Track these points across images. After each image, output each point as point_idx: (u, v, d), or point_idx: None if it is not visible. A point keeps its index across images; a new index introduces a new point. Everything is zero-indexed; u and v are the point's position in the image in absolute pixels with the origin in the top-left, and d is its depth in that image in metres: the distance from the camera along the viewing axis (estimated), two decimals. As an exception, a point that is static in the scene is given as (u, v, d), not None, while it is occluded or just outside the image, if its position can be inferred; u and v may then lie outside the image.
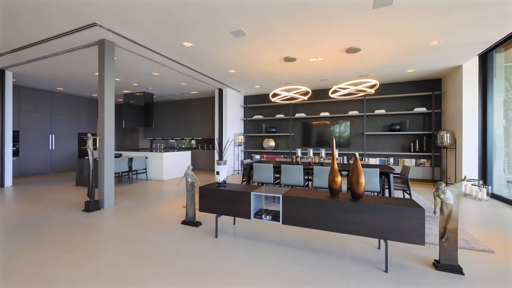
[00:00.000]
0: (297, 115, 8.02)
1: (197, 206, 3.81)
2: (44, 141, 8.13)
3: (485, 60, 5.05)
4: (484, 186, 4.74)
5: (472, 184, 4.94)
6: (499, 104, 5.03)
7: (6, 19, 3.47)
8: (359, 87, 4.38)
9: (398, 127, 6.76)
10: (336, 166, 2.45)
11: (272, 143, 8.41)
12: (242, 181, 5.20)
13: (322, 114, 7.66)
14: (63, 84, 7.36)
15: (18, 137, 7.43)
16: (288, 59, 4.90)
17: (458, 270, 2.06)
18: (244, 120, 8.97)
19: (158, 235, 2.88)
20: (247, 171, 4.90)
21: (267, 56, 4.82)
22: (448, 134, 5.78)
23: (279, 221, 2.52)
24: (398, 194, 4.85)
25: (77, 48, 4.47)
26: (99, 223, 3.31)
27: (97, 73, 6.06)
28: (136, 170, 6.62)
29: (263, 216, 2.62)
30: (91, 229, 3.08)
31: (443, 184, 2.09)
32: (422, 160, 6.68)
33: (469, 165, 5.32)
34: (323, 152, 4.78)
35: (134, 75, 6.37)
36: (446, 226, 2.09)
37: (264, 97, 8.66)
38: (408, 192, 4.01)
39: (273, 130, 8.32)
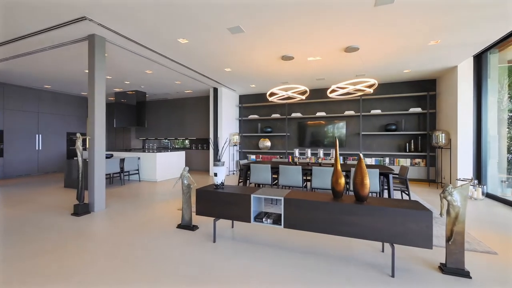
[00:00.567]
0: (293, 114, 7.95)
1: (193, 209, 3.68)
2: (31, 141, 7.78)
3: (480, 61, 5.10)
4: (479, 186, 4.79)
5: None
6: (493, 105, 5.09)
7: (-13, 11, 3.25)
8: (358, 87, 4.33)
9: (393, 127, 6.78)
10: (339, 167, 2.37)
11: (267, 143, 8.32)
12: (239, 182, 5.08)
13: (318, 114, 7.62)
14: (51, 81, 7.05)
15: (2, 137, 7.08)
16: (286, 58, 4.81)
17: (465, 273, 2.01)
18: (240, 120, 8.85)
19: (152, 240, 2.73)
20: (244, 172, 4.79)
21: (264, 55, 4.71)
22: (443, 134, 5.82)
23: (280, 224, 2.42)
24: (396, 194, 4.84)
25: (66, 44, 4.25)
26: (89, 227, 3.13)
27: (87, 71, 5.82)
28: (128, 171, 6.40)
29: (263, 219, 2.52)
30: (81, 234, 2.90)
31: (450, 186, 2.03)
32: (417, 160, 6.72)
33: (464, 165, 5.37)
34: (321, 152, 4.72)
35: (126, 73, 6.16)
36: (453, 229, 2.04)
37: (259, 97, 8.56)
38: (406, 192, 3.99)
39: (269, 130, 8.23)
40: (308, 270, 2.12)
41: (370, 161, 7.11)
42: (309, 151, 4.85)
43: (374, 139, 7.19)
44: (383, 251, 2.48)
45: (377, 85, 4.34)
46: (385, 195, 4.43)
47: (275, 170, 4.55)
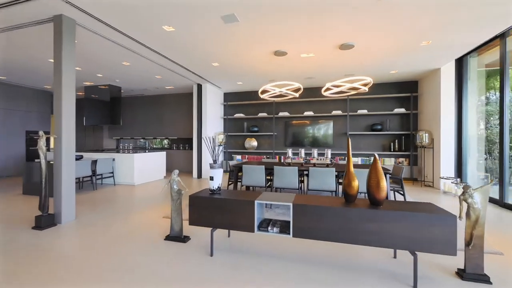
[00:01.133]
0: (281, 114, 7.77)
1: (184, 217, 3.28)
2: (-20, 141, 6.70)
3: (461, 64, 5.32)
4: (462, 184, 4.97)
5: (451, 182, 5.15)
6: (473, 106, 5.34)
7: None
8: (354, 85, 4.23)
9: (379, 127, 6.89)
10: (352, 168, 2.17)
11: (254, 142, 8.05)
12: (228, 185, 4.74)
13: (306, 113, 7.52)
14: (7, 72, 6.10)
15: None
16: (279, 53, 4.58)
17: (485, 279, 1.91)
18: (224, 119, 8.47)
19: (137, 255, 2.32)
20: (235, 173, 4.47)
21: (257, 48, 4.43)
22: (426, 134, 6.01)
23: (288, 233, 2.16)
24: (391, 194, 4.83)
25: (26, 25, 3.60)
26: (56, 244, 2.62)
27: (52, 60, 5.08)
28: (101, 174, 5.74)
29: (268, 228, 2.24)
30: (45, 253, 2.39)
31: (471, 187, 1.93)
32: (400, 159, 6.90)
33: (446, 163, 5.57)
34: (315, 152, 4.57)
35: (99, 64, 5.50)
36: (472, 233, 1.94)
37: (246, 95, 8.25)
38: (401, 192, 3.97)
39: (255, 129, 7.97)
40: (321, 284, 1.88)
41: (356, 160, 7.16)
42: (302, 151, 4.67)
43: (361, 139, 7.25)
44: (395, 257, 2.33)
45: (372, 83, 4.27)
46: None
47: (268, 171, 4.29)
